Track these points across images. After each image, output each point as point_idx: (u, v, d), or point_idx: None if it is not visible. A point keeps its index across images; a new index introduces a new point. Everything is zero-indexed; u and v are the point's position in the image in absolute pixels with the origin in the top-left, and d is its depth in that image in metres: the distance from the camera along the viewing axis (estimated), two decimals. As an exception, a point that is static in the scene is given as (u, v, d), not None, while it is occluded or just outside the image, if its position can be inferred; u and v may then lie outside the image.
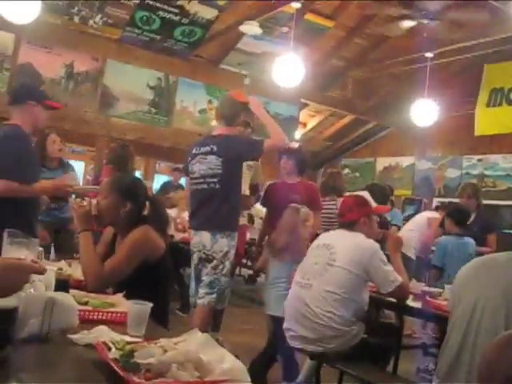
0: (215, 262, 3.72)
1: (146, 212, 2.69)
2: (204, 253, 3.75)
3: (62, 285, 2.03)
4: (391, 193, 5.36)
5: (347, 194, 4.44)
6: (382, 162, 10.59)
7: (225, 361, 1.42)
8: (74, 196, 3.36)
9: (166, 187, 7.56)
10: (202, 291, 3.77)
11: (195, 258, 3.85)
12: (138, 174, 10.26)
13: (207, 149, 3.85)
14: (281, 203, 4.28)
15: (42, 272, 1.49)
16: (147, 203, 2.71)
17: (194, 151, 3.93)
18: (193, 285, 3.95)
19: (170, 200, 6.39)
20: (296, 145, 4.21)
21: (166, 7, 6.96)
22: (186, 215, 5.26)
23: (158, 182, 8.70)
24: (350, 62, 8.71)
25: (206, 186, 3.81)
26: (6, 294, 1.37)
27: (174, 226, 6.12)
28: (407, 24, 6.33)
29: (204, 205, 3.82)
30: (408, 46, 7.93)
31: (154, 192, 6.49)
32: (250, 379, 1.41)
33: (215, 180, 3.78)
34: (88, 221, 2.57)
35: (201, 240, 3.78)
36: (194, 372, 1.36)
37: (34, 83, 3.59)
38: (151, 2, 6.85)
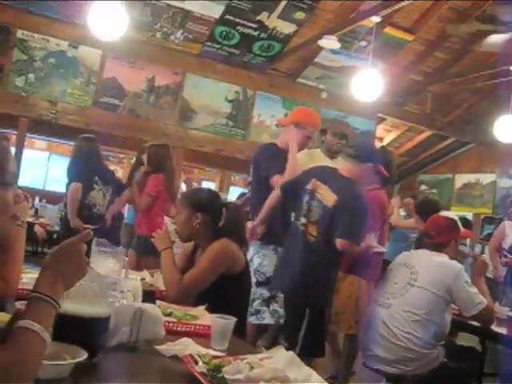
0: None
1: (222, 222, 2.71)
2: None
3: (149, 295, 2.08)
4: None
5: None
6: (461, 179, 10.26)
7: (311, 380, 1.41)
8: None
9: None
10: None
11: None
12: (212, 185, 10.45)
13: None
14: None
15: (87, 236, 1.35)
16: (224, 213, 2.72)
17: None
18: None
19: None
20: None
21: (245, 22, 7.06)
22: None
23: (232, 195, 8.80)
24: (430, 77, 8.51)
25: None
26: (79, 274, 1.32)
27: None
28: (494, 39, 6.10)
29: None
30: (491, 59, 7.68)
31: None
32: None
33: None
34: (165, 241, 2.67)
35: None
36: (281, 390, 1.36)
37: (375, 147, 3.72)
38: (231, 18, 6.97)
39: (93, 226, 4.88)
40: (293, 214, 3.51)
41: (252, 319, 3.54)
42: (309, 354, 3.27)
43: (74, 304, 1.44)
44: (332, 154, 4.40)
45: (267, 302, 3.59)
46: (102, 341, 1.54)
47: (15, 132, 6.95)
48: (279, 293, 3.62)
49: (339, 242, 3.13)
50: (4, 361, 1.08)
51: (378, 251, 3.67)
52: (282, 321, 3.63)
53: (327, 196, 3.26)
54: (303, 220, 3.26)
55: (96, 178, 4.99)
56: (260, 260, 3.59)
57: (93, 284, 1.52)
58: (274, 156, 3.77)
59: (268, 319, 3.59)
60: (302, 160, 4.01)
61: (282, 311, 3.59)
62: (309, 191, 3.32)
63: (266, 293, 3.57)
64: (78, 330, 1.43)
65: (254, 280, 3.24)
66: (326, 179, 3.34)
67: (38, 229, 7.45)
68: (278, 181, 3.63)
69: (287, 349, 1.65)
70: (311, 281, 3.18)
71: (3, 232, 1.29)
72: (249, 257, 3.43)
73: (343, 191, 3.23)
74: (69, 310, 1.43)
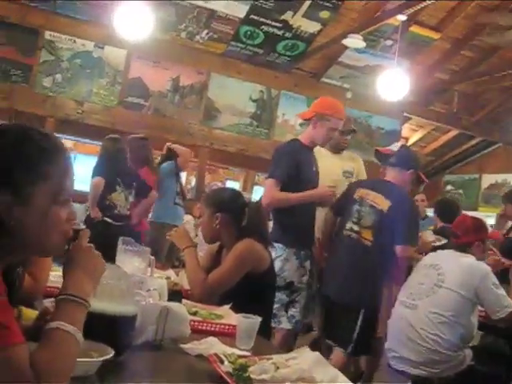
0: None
1: (245, 222, 2.70)
2: None
3: (176, 295, 2.08)
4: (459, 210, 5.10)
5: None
6: (488, 179, 10.10)
7: (337, 381, 1.40)
8: None
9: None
10: None
11: None
12: (236, 184, 10.45)
13: None
14: None
15: (86, 234, 1.36)
16: (246, 213, 2.69)
17: None
18: None
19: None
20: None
21: (269, 22, 7.05)
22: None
23: (256, 194, 8.78)
24: (456, 75, 8.40)
25: None
26: (100, 268, 1.34)
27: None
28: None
29: None
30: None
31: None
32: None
33: None
34: (185, 240, 2.68)
35: None
36: (307, 391, 1.35)
37: (417, 156, 3.81)
38: (255, 17, 6.97)
39: (109, 220, 4.97)
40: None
41: None
42: (361, 352, 3.48)
43: (101, 302, 1.45)
44: (338, 150, 4.32)
45: (286, 306, 3.54)
46: (129, 339, 1.55)
47: (42, 132, 7.04)
48: (298, 298, 3.59)
49: (400, 249, 3.21)
50: (40, 360, 1.09)
51: (437, 245, 3.70)
52: (298, 326, 3.59)
53: (379, 200, 3.31)
54: (355, 227, 3.33)
55: (119, 180, 5.05)
56: (281, 264, 3.53)
57: (120, 283, 1.53)
58: (284, 155, 3.63)
59: (284, 324, 3.53)
60: None
61: (299, 317, 3.54)
62: (358, 199, 3.39)
63: (284, 298, 3.53)
64: (105, 328, 1.44)
65: None
66: (372, 186, 3.42)
67: (64, 227, 7.53)
68: (271, 185, 3.54)
69: (320, 349, 1.64)
70: (369, 283, 3.27)
71: (53, 247, 1.26)
72: None
73: (394, 196, 3.31)
74: (96, 309, 1.43)
